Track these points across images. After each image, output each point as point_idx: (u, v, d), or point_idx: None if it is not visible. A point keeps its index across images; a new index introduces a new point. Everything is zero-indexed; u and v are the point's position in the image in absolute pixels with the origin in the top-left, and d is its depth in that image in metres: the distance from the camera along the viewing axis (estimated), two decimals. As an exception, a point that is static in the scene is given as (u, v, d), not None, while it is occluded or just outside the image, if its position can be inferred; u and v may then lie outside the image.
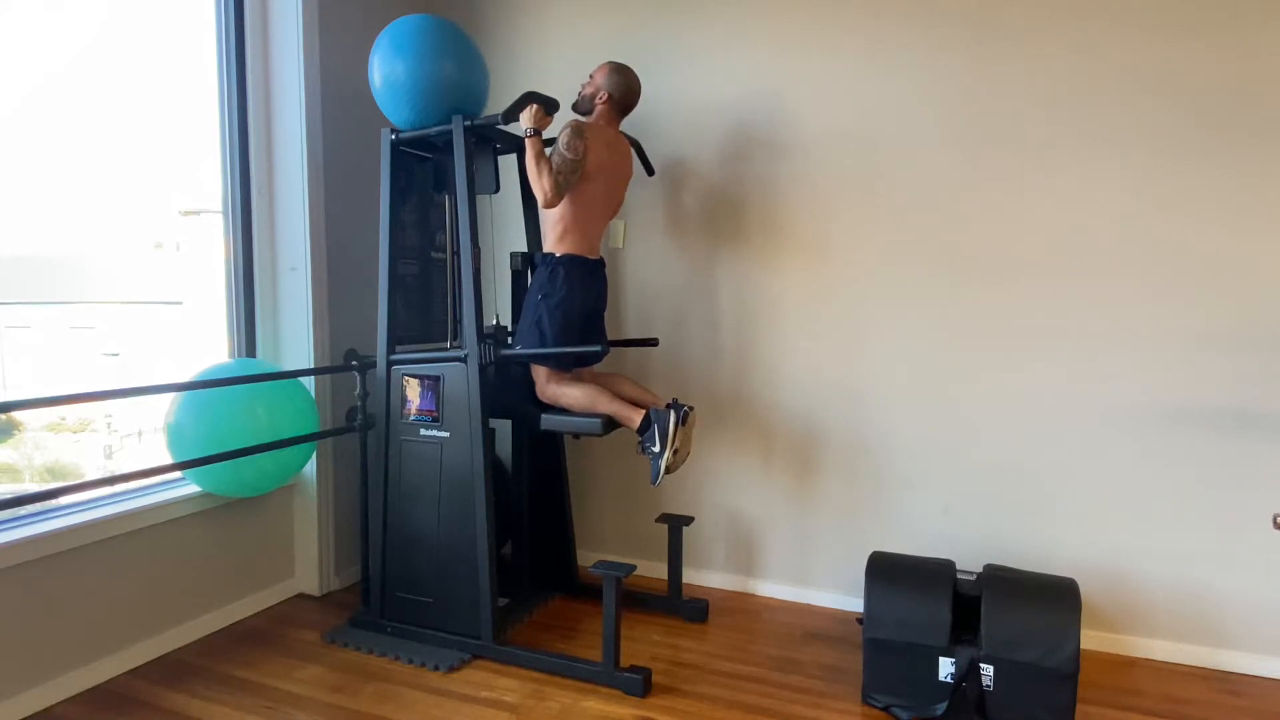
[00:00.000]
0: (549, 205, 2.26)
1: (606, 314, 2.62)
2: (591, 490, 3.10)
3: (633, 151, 2.60)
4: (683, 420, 2.24)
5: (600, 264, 2.48)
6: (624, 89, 2.43)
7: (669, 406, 2.26)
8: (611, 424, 2.32)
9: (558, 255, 2.37)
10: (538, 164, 2.24)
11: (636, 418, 2.27)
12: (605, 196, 2.43)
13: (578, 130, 2.30)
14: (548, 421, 2.35)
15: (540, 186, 2.24)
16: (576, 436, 2.50)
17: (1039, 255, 2.41)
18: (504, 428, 2.86)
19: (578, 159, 2.28)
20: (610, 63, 2.46)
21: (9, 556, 1.95)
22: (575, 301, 2.37)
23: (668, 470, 2.23)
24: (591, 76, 2.46)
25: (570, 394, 2.35)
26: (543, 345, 2.34)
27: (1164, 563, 2.35)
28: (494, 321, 2.58)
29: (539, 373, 2.40)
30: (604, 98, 2.42)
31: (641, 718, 2.02)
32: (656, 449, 2.23)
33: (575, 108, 2.49)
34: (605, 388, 2.42)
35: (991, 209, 2.46)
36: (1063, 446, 2.43)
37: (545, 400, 2.40)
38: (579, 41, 2.99)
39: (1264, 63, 2.17)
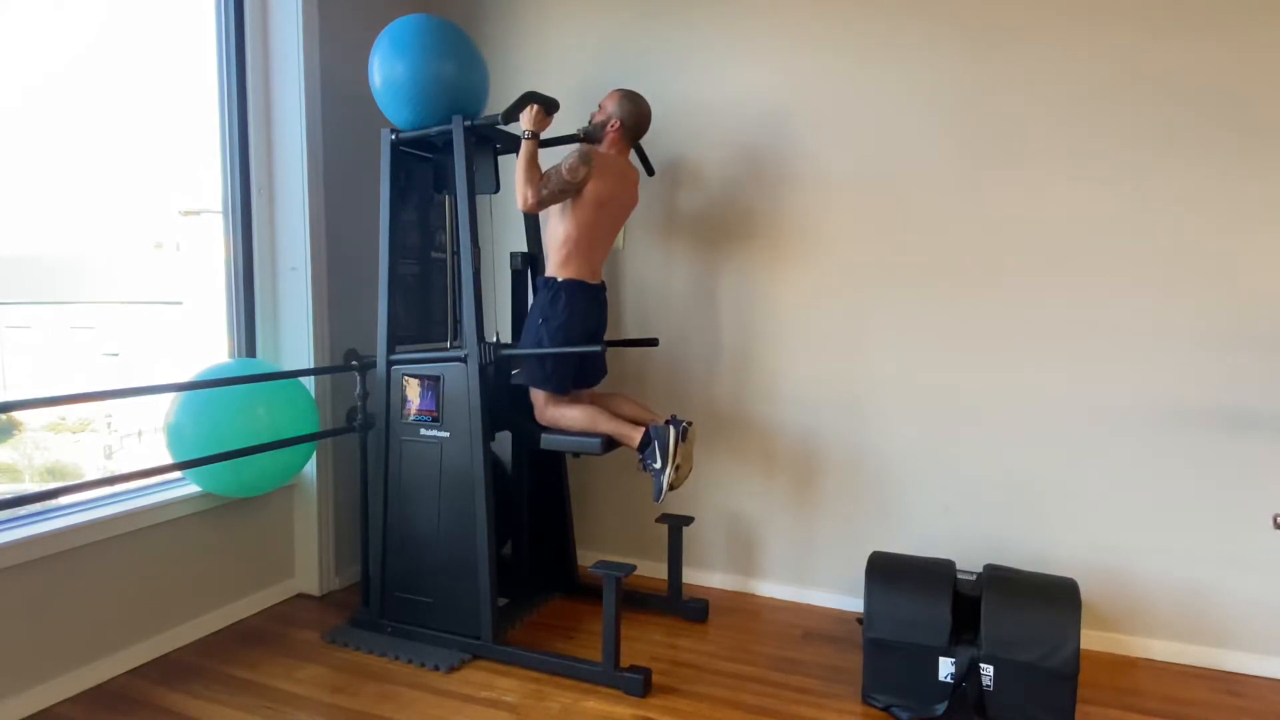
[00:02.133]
0: (526, 210, 2.27)
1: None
2: (591, 490, 3.10)
3: (640, 174, 2.59)
4: (682, 435, 2.24)
5: (601, 288, 2.48)
6: (635, 115, 2.41)
7: (668, 422, 2.26)
8: (611, 443, 2.32)
9: (559, 280, 2.37)
10: (528, 168, 2.24)
11: (636, 435, 2.27)
12: (611, 225, 2.44)
13: (585, 158, 2.28)
14: (548, 441, 2.35)
15: (523, 192, 2.25)
16: (576, 455, 2.51)
17: (1038, 256, 2.41)
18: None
19: (574, 184, 2.28)
20: (620, 90, 2.44)
21: (9, 556, 1.95)
22: (576, 325, 2.36)
23: (670, 487, 2.23)
24: (601, 105, 2.44)
25: (569, 415, 2.35)
26: (542, 370, 2.34)
27: (1164, 563, 2.35)
28: (494, 339, 2.56)
29: (537, 396, 2.40)
30: (616, 125, 2.40)
31: (641, 718, 2.02)
32: (658, 465, 2.23)
33: (587, 136, 2.45)
34: (604, 407, 2.42)
35: (992, 209, 2.46)
36: (1063, 446, 2.43)
37: (544, 423, 2.40)
38: (579, 41, 2.99)
39: (1262, 63, 2.17)
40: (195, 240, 2.66)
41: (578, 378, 2.45)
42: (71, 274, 2.48)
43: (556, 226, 2.36)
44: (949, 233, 2.51)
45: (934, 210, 2.52)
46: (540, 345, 2.34)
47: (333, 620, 2.59)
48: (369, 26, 2.88)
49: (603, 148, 2.42)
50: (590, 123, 2.46)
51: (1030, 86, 2.39)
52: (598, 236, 2.39)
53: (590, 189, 2.30)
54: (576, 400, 2.44)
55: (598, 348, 2.27)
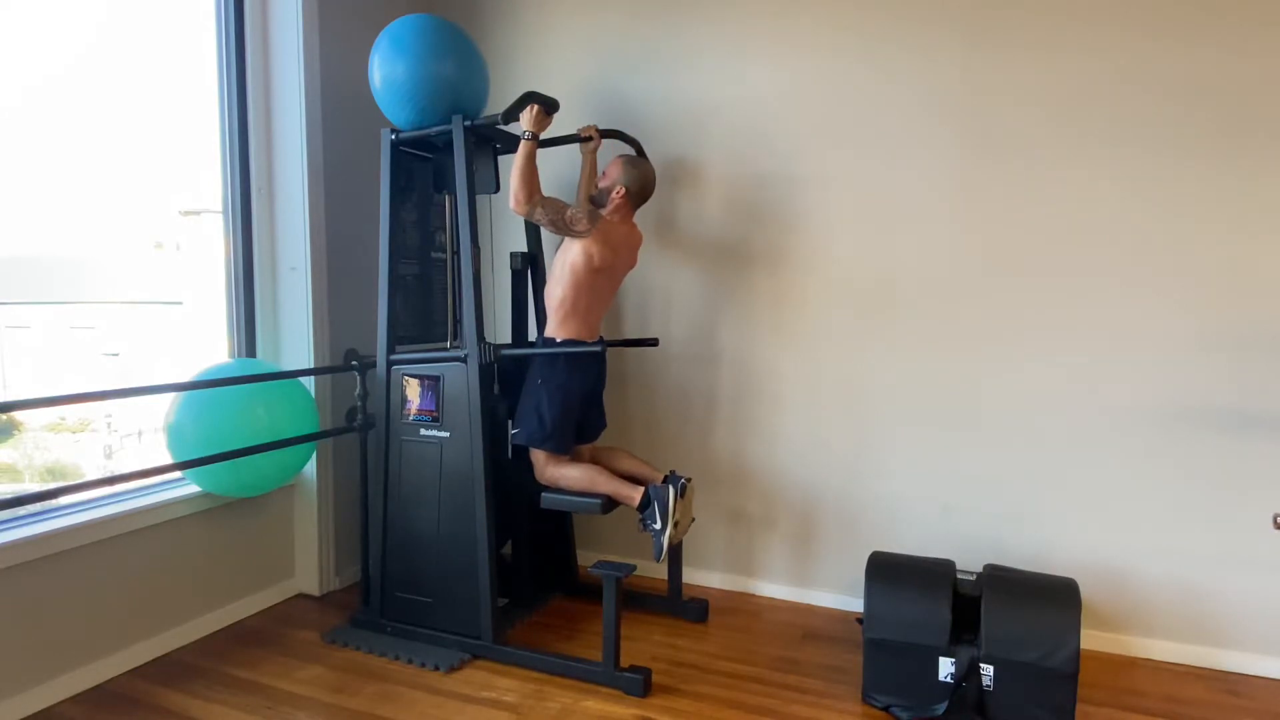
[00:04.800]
0: (516, 212, 2.27)
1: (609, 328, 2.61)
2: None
3: (642, 235, 2.59)
4: (681, 492, 2.26)
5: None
6: (641, 182, 2.41)
7: (666, 480, 2.28)
8: (611, 503, 2.32)
9: (559, 340, 2.38)
10: (524, 169, 2.24)
11: (636, 496, 2.28)
12: (609, 286, 2.46)
13: (593, 219, 2.30)
14: (548, 501, 2.36)
15: (516, 193, 2.25)
16: (575, 512, 2.51)
17: (1039, 257, 2.41)
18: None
19: (568, 229, 2.30)
20: (624, 156, 2.44)
21: (9, 556, 1.95)
22: (575, 385, 2.38)
23: (669, 544, 2.24)
24: (606, 171, 2.43)
25: (569, 475, 2.35)
26: (541, 430, 2.35)
27: (1164, 563, 2.35)
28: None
29: (537, 456, 2.40)
30: (622, 193, 2.38)
31: (641, 718, 2.02)
32: (658, 525, 2.24)
33: (594, 200, 2.44)
34: (604, 464, 2.42)
35: (991, 210, 2.45)
36: (1063, 446, 2.43)
37: (544, 483, 2.40)
38: (579, 41, 2.98)
39: (1264, 63, 2.17)
40: (195, 240, 2.66)
41: (578, 434, 2.46)
42: (71, 274, 2.48)
43: (555, 287, 2.37)
44: (947, 233, 2.51)
45: (931, 211, 2.52)
46: (540, 406, 2.35)
47: (333, 620, 2.59)
48: (369, 26, 2.87)
49: (607, 213, 2.40)
50: (597, 187, 2.45)
51: (1030, 87, 2.38)
52: (596, 298, 2.41)
53: (587, 251, 2.30)
54: (576, 458, 2.45)
55: (597, 347, 2.28)
